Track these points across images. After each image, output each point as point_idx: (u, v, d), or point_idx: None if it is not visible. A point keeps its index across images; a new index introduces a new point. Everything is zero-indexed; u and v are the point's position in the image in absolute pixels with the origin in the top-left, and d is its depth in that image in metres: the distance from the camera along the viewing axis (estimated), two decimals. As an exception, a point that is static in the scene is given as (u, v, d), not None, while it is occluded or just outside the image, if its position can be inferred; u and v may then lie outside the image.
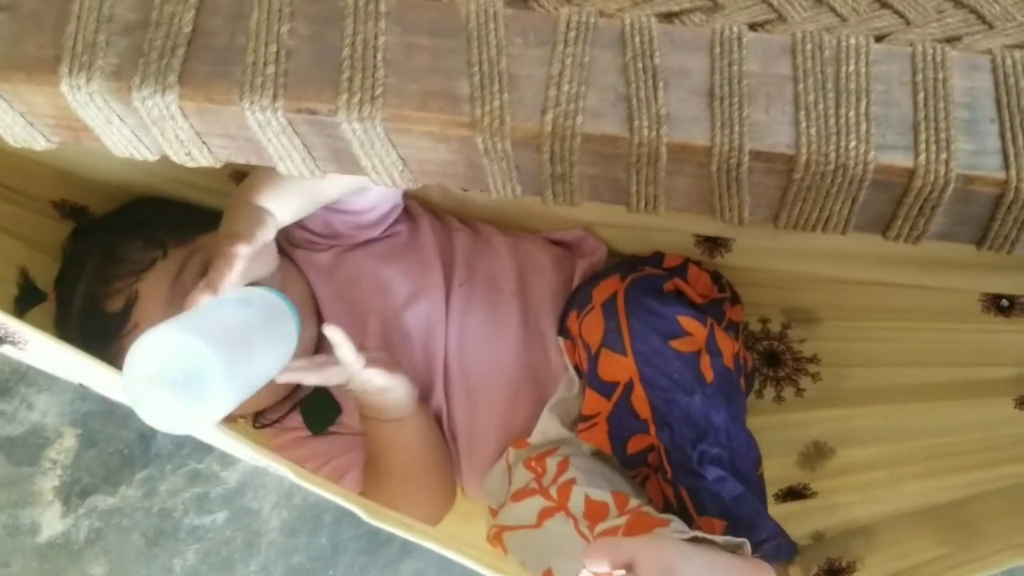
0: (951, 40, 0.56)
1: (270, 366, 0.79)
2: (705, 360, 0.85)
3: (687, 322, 0.85)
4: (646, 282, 0.89)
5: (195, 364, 0.71)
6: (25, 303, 0.91)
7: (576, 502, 0.81)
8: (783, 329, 1.04)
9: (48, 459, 1.35)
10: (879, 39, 0.56)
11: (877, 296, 0.94)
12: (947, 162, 0.49)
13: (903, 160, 0.49)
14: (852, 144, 0.49)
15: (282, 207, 0.81)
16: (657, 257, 0.96)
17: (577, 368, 0.91)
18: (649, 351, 0.83)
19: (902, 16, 0.57)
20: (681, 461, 0.82)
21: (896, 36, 0.56)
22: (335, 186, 0.83)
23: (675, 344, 0.84)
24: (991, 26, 0.57)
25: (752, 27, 0.56)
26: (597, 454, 0.89)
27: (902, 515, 0.93)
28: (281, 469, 0.77)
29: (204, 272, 0.85)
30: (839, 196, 0.51)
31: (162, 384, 0.70)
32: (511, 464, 0.90)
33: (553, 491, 0.83)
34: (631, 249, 0.99)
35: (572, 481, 0.83)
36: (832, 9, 0.57)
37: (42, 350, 0.72)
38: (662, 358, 0.83)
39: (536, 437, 0.91)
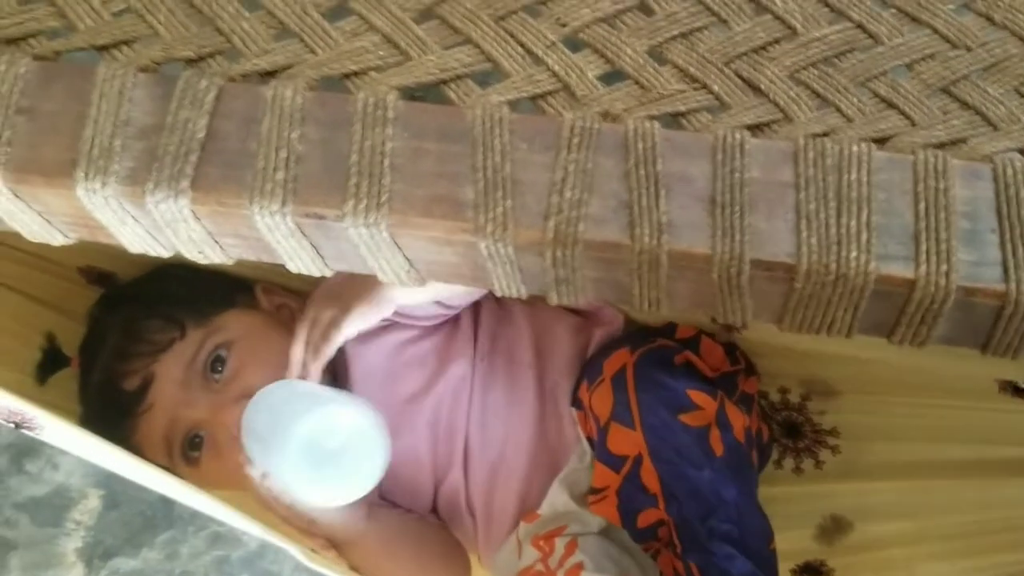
0: (956, 142, 0.56)
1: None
2: (715, 434, 0.85)
3: (697, 395, 0.86)
4: (656, 355, 0.89)
5: (357, 440, 0.77)
6: (47, 369, 0.93)
7: None
8: (802, 400, 1.04)
9: (72, 520, 1.37)
10: (883, 140, 0.56)
11: (895, 373, 0.94)
12: (948, 274, 0.49)
13: (904, 271, 0.50)
14: (853, 254, 0.50)
15: (409, 294, 0.84)
16: (670, 328, 0.96)
17: (589, 439, 0.92)
18: (658, 424, 0.84)
19: (908, 117, 0.57)
20: (691, 536, 0.82)
21: (900, 138, 0.56)
22: None
23: (684, 418, 0.84)
24: (996, 128, 0.57)
25: (758, 127, 0.57)
26: (606, 532, 0.89)
27: (915, 598, 0.92)
28: (291, 549, 0.78)
29: (214, 355, 0.87)
30: (841, 304, 0.51)
31: (320, 452, 0.75)
32: (521, 540, 0.90)
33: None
34: (648, 320, 0.99)
35: (579, 566, 0.83)
36: (838, 109, 0.58)
37: (57, 432, 0.74)
38: (671, 431, 0.84)
39: (545, 509, 0.91)
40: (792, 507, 1.01)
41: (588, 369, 0.93)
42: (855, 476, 1.00)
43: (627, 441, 0.84)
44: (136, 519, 1.37)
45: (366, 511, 0.88)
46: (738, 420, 0.87)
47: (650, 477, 0.83)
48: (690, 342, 0.94)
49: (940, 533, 0.92)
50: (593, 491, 0.87)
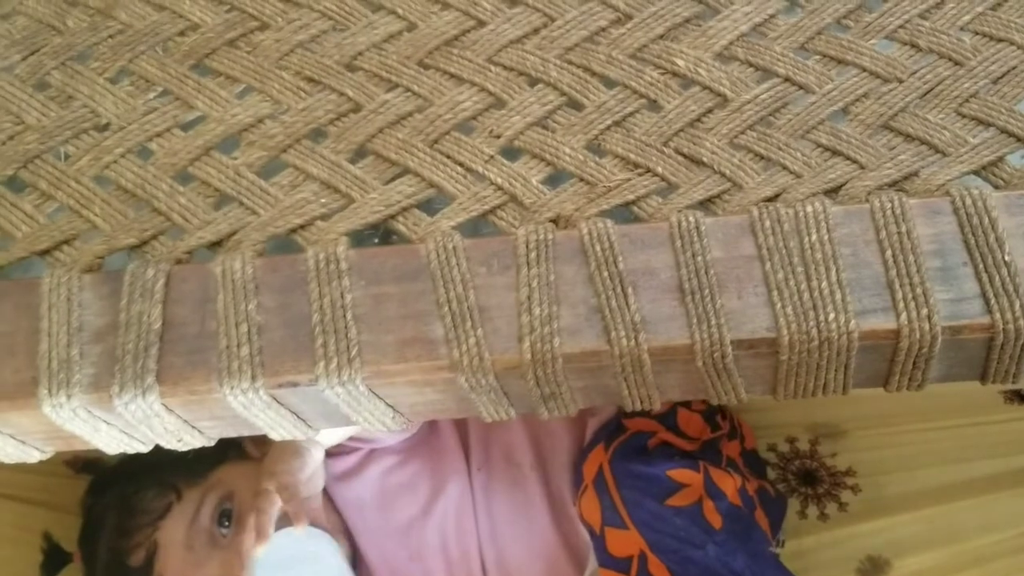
0: (908, 177, 0.56)
1: None
2: (708, 506, 0.84)
3: (679, 474, 0.85)
4: (629, 445, 0.88)
5: None
6: (51, 569, 0.91)
7: None
8: (812, 446, 1.02)
9: None
10: (836, 190, 0.56)
11: (896, 401, 0.93)
12: (929, 317, 0.48)
13: (885, 322, 0.49)
14: (831, 316, 0.49)
15: (328, 432, 0.82)
16: None
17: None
18: (649, 517, 0.83)
19: (855, 161, 0.57)
20: None
21: (852, 184, 0.56)
22: None
23: (672, 501, 0.83)
24: (944, 154, 0.57)
25: (710, 200, 0.56)
26: None
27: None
28: None
29: (219, 510, 0.86)
30: (831, 366, 0.50)
31: None
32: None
33: None
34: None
35: None
36: (784, 167, 0.57)
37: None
38: (663, 520, 0.83)
39: None
40: (826, 554, 0.99)
41: (573, 477, 0.92)
42: (881, 512, 0.98)
43: (625, 542, 0.83)
44: None
45: None
46: (729, 485, 0.85)
47: (659, 570, 0.82)
48: (666, 417, 0.93)
49: (977, 555, 0.90)
50: None
